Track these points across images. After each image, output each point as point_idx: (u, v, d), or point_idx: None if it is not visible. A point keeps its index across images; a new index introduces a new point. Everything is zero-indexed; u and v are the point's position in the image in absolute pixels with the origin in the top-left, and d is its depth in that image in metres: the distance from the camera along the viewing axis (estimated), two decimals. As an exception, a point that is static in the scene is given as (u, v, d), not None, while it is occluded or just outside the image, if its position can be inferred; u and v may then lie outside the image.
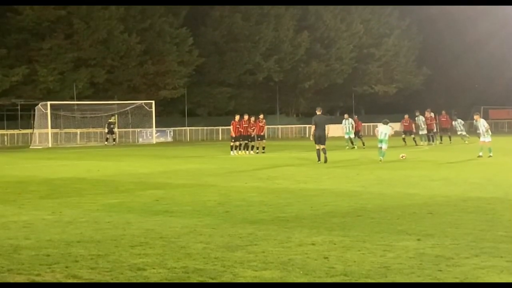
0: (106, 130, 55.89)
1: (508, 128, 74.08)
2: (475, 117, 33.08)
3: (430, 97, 76.29)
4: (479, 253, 9.58)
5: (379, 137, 30.06)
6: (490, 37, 73.46)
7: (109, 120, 55.86)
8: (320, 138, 28.76)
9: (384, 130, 30.32)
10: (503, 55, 76.13)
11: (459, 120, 47.65)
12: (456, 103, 77.34)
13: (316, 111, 29.83)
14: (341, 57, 73.54)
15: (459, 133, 47.20)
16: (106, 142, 55.03)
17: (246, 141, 37.63)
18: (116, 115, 57.09)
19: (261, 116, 39.25)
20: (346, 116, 45.00)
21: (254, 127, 37.72)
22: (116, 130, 56.39)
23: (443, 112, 48.84)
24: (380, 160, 28.83)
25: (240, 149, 37.25)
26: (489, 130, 31.68)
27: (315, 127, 29.01)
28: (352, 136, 43.76)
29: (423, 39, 79.06)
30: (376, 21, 76.73)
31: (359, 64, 75.51)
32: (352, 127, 43.58)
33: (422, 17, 75.92)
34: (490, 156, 30.30)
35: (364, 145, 42.76)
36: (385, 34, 76.95)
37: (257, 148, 37.76)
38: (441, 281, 8.02)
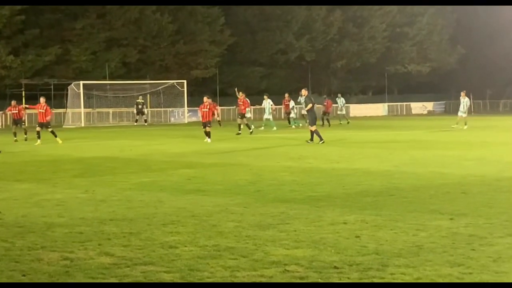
0: (135, 111, 55.08)
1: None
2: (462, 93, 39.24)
3: (465, 76, 75.48)
4: (513, 232, 9.47)
5: None
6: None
7: (137, 100, 54.90)
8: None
9: None
10: (539, 34, 75.08)
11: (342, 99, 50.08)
12: (491, 82, 76.40)
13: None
14: (374, 36, 72.97)
15: (338, 112, 49.29)
16: (135, 123, 54.09)
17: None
18: (148, 95, 57.16)
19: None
20: (265, 96, 43.74)
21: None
22: (145, 110, 55.47)
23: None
24: None
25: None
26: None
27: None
28: (270, 118, 41.83)
29: (457, 17, 78.11)
30: (410, -1, 76.00)
31: (392, 43, 74.86)
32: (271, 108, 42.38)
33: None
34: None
35: (329, 126, 42.62)
36: (419, 13, 76.07)
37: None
38: (474, 260, 7.94)
